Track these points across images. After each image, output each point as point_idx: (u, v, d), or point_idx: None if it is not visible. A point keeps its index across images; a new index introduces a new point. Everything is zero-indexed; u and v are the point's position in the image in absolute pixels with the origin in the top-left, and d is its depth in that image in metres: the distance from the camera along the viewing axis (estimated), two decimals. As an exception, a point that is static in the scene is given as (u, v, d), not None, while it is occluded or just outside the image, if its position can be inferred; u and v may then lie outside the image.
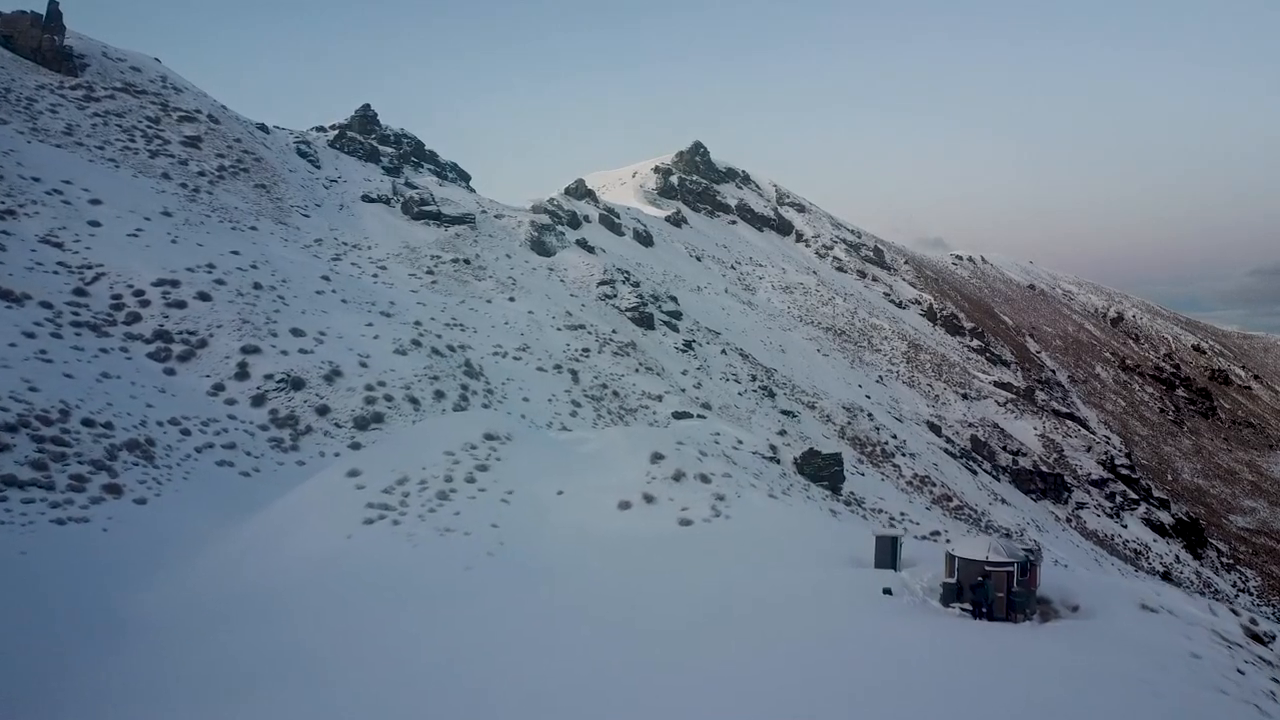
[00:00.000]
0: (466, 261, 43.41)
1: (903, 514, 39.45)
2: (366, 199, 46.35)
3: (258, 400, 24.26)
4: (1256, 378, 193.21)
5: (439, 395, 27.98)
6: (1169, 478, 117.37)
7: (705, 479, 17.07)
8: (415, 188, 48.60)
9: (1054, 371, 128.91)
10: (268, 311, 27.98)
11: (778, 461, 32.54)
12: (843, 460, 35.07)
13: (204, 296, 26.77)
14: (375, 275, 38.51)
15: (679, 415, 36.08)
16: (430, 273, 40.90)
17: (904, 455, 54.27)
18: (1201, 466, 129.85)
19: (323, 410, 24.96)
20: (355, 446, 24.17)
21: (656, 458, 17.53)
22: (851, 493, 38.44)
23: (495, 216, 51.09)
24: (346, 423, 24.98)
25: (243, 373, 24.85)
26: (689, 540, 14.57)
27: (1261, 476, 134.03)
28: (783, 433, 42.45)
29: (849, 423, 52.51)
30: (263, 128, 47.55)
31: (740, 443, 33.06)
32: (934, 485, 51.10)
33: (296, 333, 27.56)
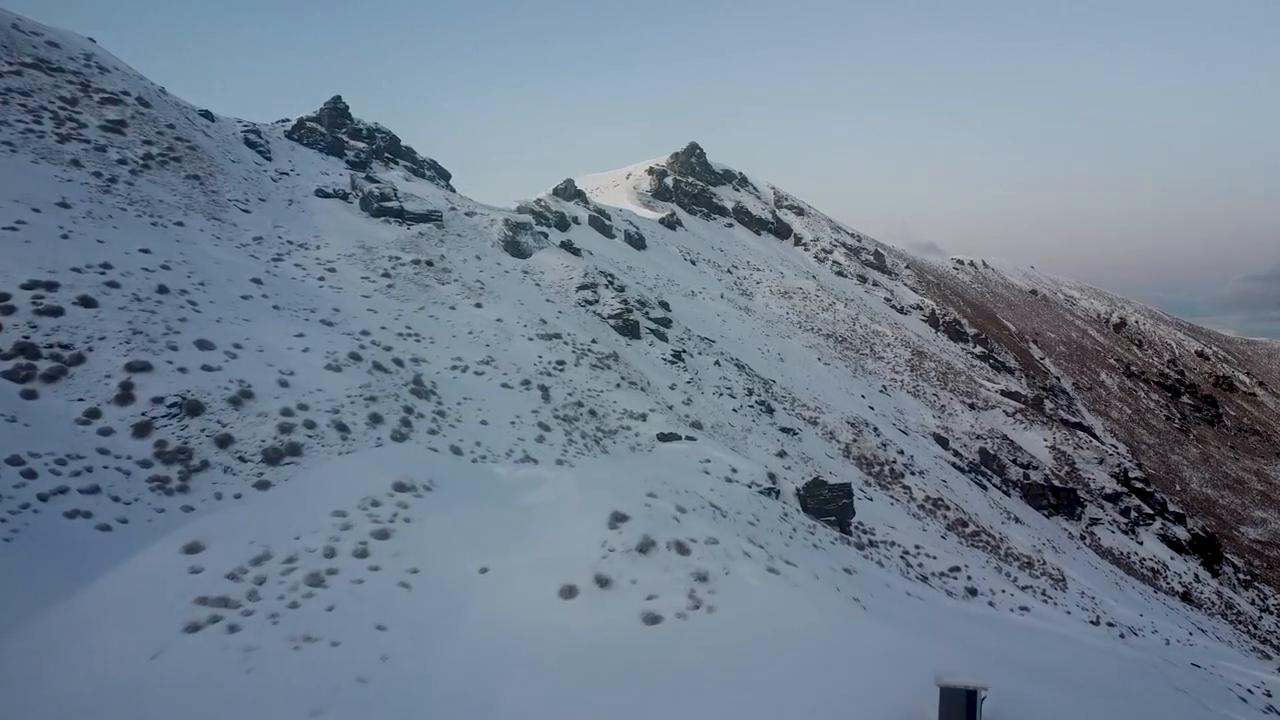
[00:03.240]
0: (429, 263, 38.95)
1: (918, 547, 35.04)
2: (321, 194, 41.86)
3: (141, 429, 19.75)
4: (1261, 384, 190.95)
5: (375, 420, 23.51)
6: (1177, 488, 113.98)
7: (682, 549, 12.59)
8: (377, 182, 44.17)
9: (1058, 378, 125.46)
10: (170, 320, 23.49)
11: (777, 493, 28.16)
12: (851, 491, 30.67)
13: (88, 302, 22.27)
14: (322, 278, 34.04)
15: (665, 437, 31.67)
16: (387, 275, 36.45)
17: (913, 474, 49.90)
18: (1209, 476, 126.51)
19: (224, 441, 20.47)
20: (262, 485, 19.73)
21: (618, 520, 13.04)
22: (860, 523, 34.05)
23: (466, 214, 46.63)
24: (254, 456, 20.50)
25: (126, 395, 20.35)
26: (652, 656, 10.11)
27: (1270, 486, 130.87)
28: (782, 454, 38.02)
29: (854, 440, 48.11)
30: (206, 114, 43.07)
31: (734, 471, 28.67)
32: (947, 508, 46.72)
33: (203, 345, 23.07)
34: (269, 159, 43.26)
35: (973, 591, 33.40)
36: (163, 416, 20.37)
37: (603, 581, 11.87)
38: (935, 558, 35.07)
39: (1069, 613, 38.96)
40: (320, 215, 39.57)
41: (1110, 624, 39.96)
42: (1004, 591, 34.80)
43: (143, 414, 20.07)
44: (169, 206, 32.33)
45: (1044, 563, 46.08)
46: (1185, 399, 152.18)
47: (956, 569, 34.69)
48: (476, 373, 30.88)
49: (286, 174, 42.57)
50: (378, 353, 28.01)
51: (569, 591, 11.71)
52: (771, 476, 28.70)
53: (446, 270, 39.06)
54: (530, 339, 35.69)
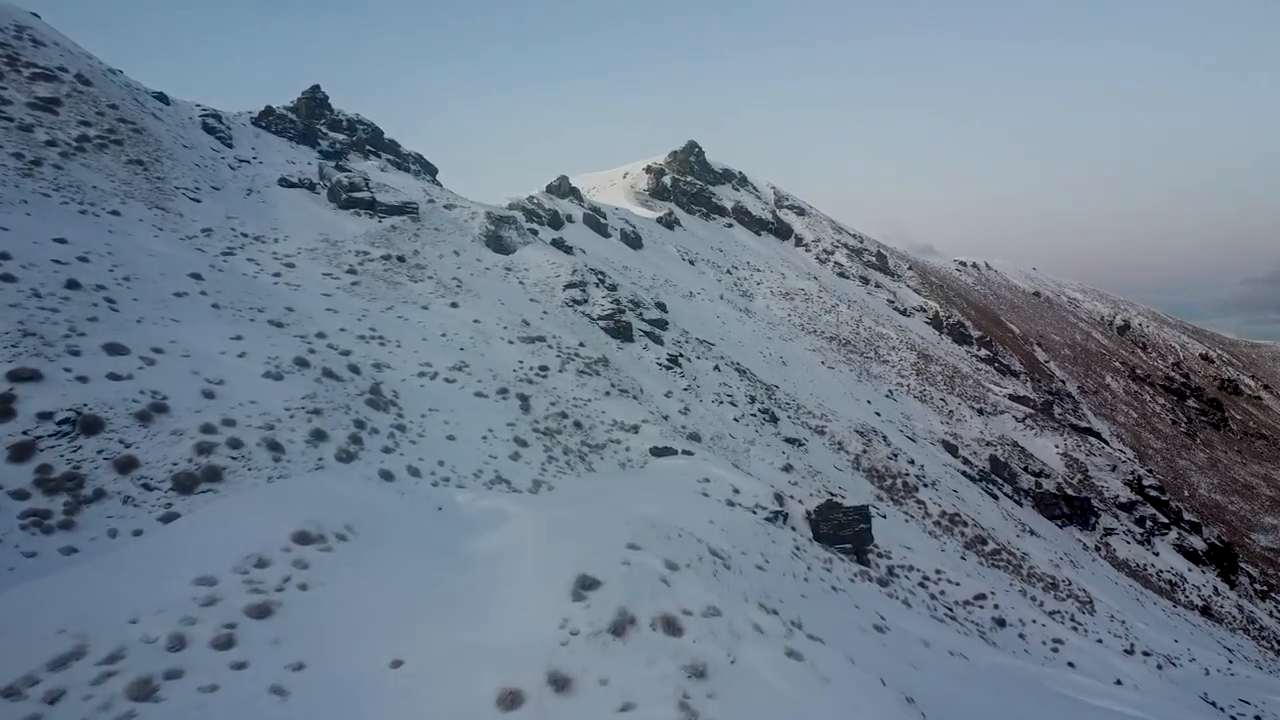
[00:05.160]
0: (401, 259, 35.50)
1: (938, 572, 31.67)
2: (285, 183, 38.37)
3: (20, 452, 16.27)
4: (1266, 387, 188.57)
5: (317, 437, 20.05)
6: (1186, 494, 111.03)
7: (672, 626, 9.16)
8: (347, 171, 40.70)
9: (1063, 382, 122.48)
10: (76, 319, 20.04)
11: (786, 518, 24.77)
12: (868, 514, 27.27)
13: (-31, 299, 18.87)
14: (277, 274, 30.60)
15: (659, 451, 28.27)
16: (352, 272, 33.02)
17: (926, 487, 46.54)
18: (1218, 481, 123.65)
19: (126, 465, 16.99)
20: (169, 519, 16.26)
21: (586, 586, 9.62)
22: (875, 546, 30.67)
23: (445, 207, 43.19)
24: (162, 483, 17.02)
25: (5, 409, 16.87)
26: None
27: (1279, 491, 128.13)
28: (788, 468, 34.62)
29: (864, 450, 44.71)
30: (160, 96, 39.60)
31: (737, 492, 25.28)
32: (964, 524, 43.35)
33: (114, 350, 19.62)
34: (229, 145, 39.79)
35: (1001, 622, 30.08)
36: (50, 435, 16.89)
37: (559, 683, 8.43)
38: (958, 584, 31.71)
39: (1100, 640, 35.68)
40: (282, 206, 36.12)
41: (1146, 652, 36.63)
42: (1034, 621, 31.45)
43: (24, 432, 16.59)
44: (104, 193, 28.87)
45: (1069, 583, 42.74)
46: (1191, 403, 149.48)
47: (982, 596, 31.33)
48: (447, 380, 27.45)
49: (247, 162, 39.10)
50: (331, 357, 24.56)
51: (510, 700, 8.26)
52: (778, 498, 25.29)
53: (420, 267, 35.63)
54: (510, 342, 32.29)
